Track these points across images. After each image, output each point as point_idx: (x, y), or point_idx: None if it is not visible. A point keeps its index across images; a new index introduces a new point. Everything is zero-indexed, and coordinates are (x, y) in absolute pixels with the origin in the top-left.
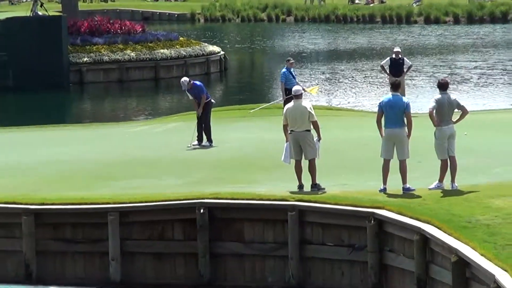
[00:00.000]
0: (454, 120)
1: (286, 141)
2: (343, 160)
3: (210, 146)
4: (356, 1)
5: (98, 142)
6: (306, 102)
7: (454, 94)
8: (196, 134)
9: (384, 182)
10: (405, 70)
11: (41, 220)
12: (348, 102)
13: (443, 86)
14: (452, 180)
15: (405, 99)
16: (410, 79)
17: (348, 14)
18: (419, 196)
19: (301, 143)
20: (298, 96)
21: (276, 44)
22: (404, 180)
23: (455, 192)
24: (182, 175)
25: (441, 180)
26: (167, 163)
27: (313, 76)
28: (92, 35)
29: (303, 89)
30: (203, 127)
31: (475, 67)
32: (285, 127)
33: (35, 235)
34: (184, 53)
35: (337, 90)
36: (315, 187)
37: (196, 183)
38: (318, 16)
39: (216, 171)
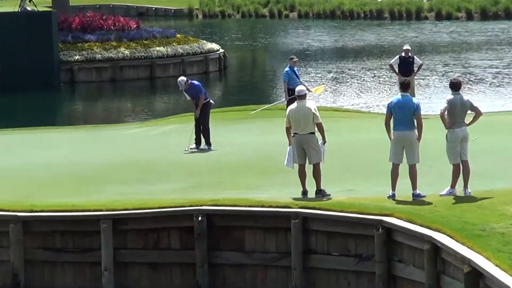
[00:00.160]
0: (467, 122)
1: (289, 145)
2: (350, 164)
3: (209, 149)
4: None
5: (90, 145)
6: (311, 103)
7: (467, 94)
8: (194, 137)
9: (393, 188)
10: (415, 69)
11: (30, 228)
12: (355, 103)
13: (455, 86)
14: (465, 186)
15: (415, 99)
16: (421, 79)
17: (355, 10)
18: (430, 203)
19: (305, 146)
20: (302, 97)
21: (279, 42)
22: (414, 186)
23: (468, 199)
24: (179, 180)
25: (453, 185)
26: (164, 167)
27: (318, 75)
28: (84, 32)
29: (308, 89)
30: (201, 129)
31: (490, 66)
32: (288, 129)
33: (23, 244)
34: (181, 51)
35: (344, 90)
36: (320, 193)
37: (194, 188)
38: (323, 12)
39: (215, 176)
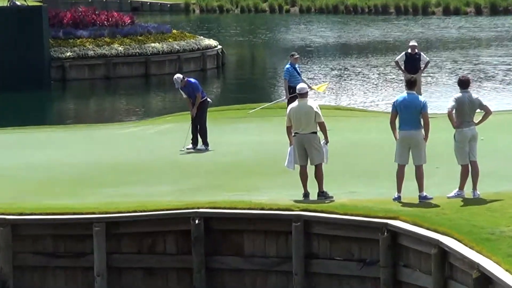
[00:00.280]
0: (476, 121)
1: (290, 145)
2: (353, 165)
3: (206, 150)
4: None
5: (83, 145)
6: (312, 102)
7: (476, 92)
8: (191, 136)
9: (399, 189)
10: (422, 66)
11: (19, 232)
12: (359, 102)
13: (464, 84)
14: (474, 188)
15: (421, 98)
16: (428, 76)
17: (359, 4)
18: (437, 205)
19: (307, 146)
20: (303, 95)
21: (279, 37)
22: (420, 188)
23: (477, 201)
24: (175, 181)
25: (461, 187)
26: (159, 168)
27: (320, 72)
28: (75, 28)
29: (309, 87)
30: (199, 129)
31: (500, 63)
32: (288, 129)
33: (13, 248)
34: (177, 47)
35: (347, 88)
36: (322, 195)
37: (190, 190)
38: (326, 6)
39: (213, 178)
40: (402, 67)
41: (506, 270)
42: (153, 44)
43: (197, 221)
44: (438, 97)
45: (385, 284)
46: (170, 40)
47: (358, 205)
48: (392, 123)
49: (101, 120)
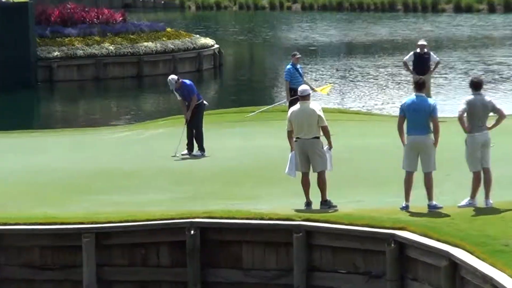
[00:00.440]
0: (489, 126)
1: (291, 150)
2: (358, 172)
3: (202, 155)
4: None
5: (71, 150)
6: (315, 104)
7: (489, 95)
8: (186, 141)
9: (407, 198)
10: (431, 67)
11: (4, 243)
12: (365, 104)
13: (476, 86)
14: (486, 196)
15: (431, 100)
16: (438, 77)
17: (365, 1)
18: (447, 215)
19: (309, 152)
20: (305, 97)
21: (280, 36)
22: (429, 196)
23: (489, 210)
24: (169, 189)
25: (473, 196)
26: (152, 175)
27: (324, 73)
28: (64, 25)
29: (312, 89)
30: (194, 134)
31: None
32: (289, 133)
33: None
34: (172, 46)
35: (352, 90)
36: (325, 204)
37: (186, 199)
38: (329, 3)
39: (209, 185)
40: (411, 68)
41: None
42: (146, 43)
43: (192, 232)
44: (449, 100)
45: None
46: (164, 39)
47: (364, 214)
48: (400, 128)
49: (91, 124)
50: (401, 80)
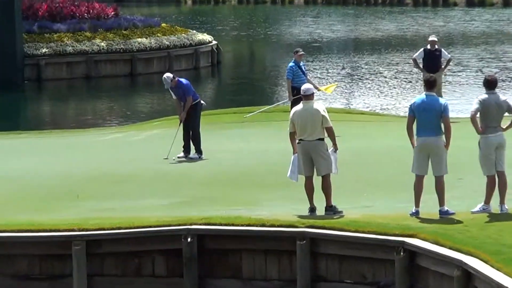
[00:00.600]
0: (504, 127)
1: (294, 153)
2: (366, 176)
3: (200, 158)
4: None
5: (61, 153)
6: (319, 104)
7: (504, 94)
8: (182, 143)
9: (417, 204)
10: (443, 64)
11: None
12: (372, 104)
13: (490, 84)
14: (501, 201)
15: (442, 100)
16: (450, 75)
17: None
18: (460, 222)
19: (313, 155)
20: (309, 96)
21: (282, 32)
22: (441, 202)
23: (505, 217)
24: (165, 194)
25: (487, 201)
26: (146, 180)
27: (329, 71)
28: (52, 21)
29: (316, 87)
30: (191, 135)
31: None
32: (292, 135)
33: None
34: (167, 42)
35: (359, 89)
36: (331, 210)
37: (182, 204)
38: None
39: (207, 190)
40: (421, 65)
41: None
42: (139, 40)
43: (189, 239)
44: (461, 99)
45: None
46: (158, 34)
47: (371, 221)
48: (409, 129)
49: (81, 125)
50: (411, 78)
